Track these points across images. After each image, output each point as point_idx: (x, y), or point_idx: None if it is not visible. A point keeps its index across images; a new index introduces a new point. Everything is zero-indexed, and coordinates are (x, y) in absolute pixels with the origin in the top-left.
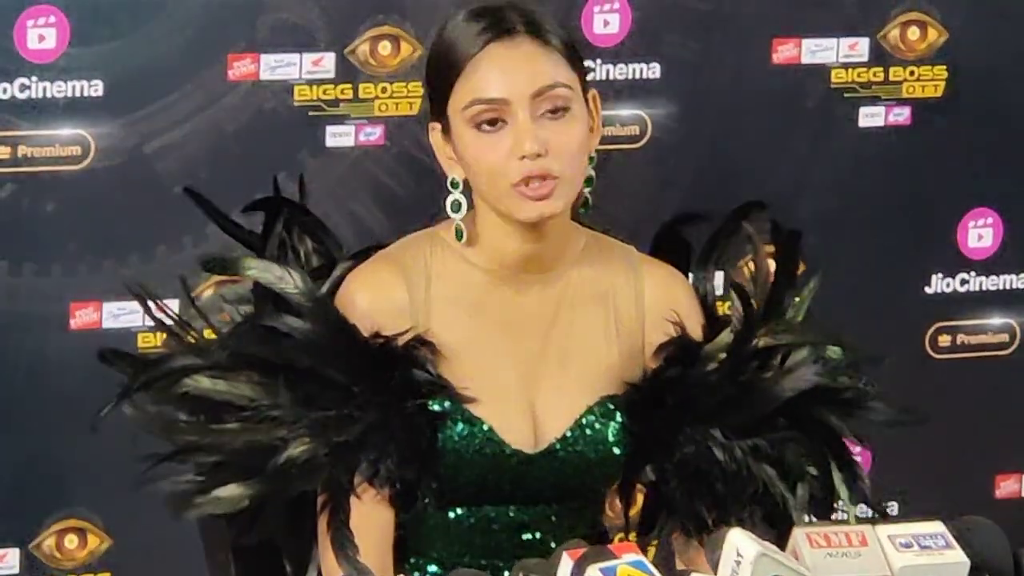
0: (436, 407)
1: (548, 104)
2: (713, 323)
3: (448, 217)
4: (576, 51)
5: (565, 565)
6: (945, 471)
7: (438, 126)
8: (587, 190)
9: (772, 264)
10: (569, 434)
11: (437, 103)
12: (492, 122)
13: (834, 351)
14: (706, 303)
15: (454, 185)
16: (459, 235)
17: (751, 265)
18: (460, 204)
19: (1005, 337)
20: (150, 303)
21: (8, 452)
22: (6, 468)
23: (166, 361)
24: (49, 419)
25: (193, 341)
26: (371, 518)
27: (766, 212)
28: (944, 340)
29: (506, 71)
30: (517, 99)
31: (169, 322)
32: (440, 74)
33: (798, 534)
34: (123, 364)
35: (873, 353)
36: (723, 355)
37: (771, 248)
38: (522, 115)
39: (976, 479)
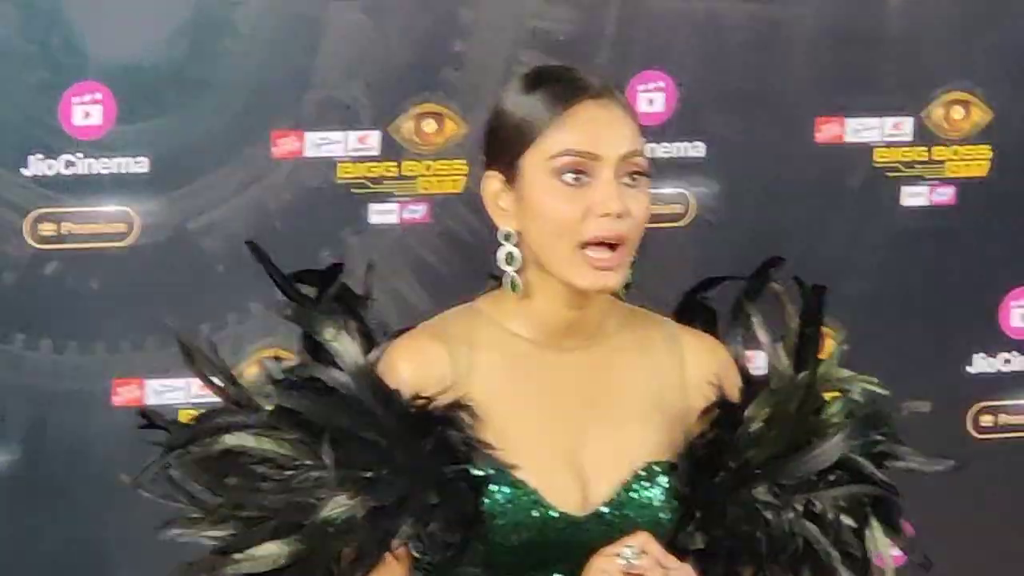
0: (479, 471)
1: (631, 169)
2: (750, 385)
3: (485, 292)
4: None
5: None
6: (986, 553)
7: (497, 175)
8: (629, 272)
9: (795, 321)
10: (616, 497)
11: (504, 155)
12: (577, 176)
13: (859, 393)
14: (740, 366)
15: (508, 238)
16: (514, 287)
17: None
18: (513, 257)
19: None
20: (196, 360)
21: (51, 530)
22: (49, 546)
23: (209, 418)
24: (92, 497)
25: (236, 400)
26: (389, 570)
27: (784, 268)
28: (986, 420)
29: (599, 127)
30: (608, 156)
31: (212, 378)
32: (520, 124)
33: None
34: (165, 422)
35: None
36: (765, 412)
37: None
38: (608, 174)
39: (1019, 561)
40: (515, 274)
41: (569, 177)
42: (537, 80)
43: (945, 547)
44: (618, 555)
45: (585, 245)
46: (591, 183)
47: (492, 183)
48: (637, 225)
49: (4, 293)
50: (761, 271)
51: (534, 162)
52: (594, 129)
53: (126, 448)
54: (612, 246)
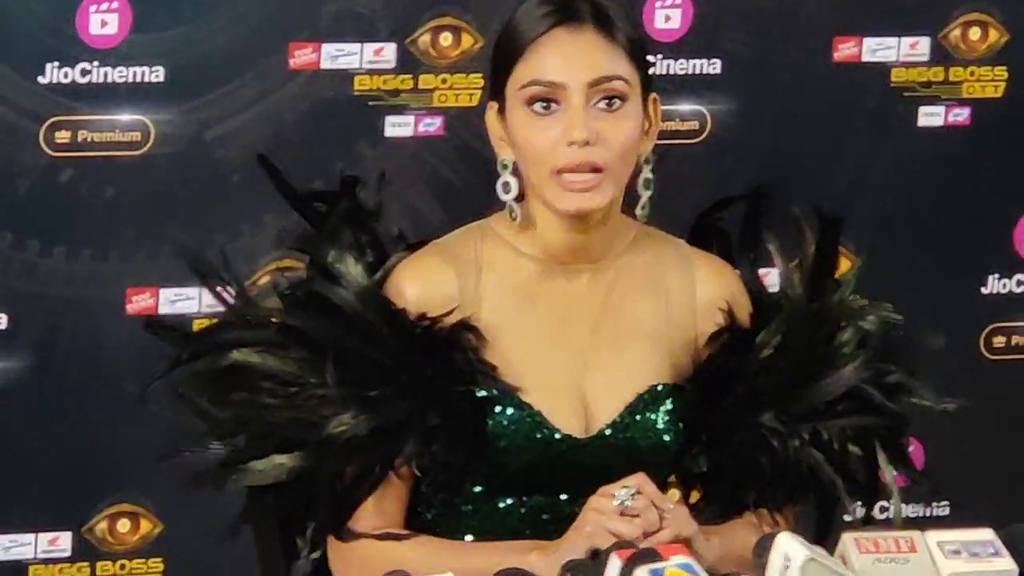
0: (483, 392)
1: (603, 95)
2: (761, 310)
3: (499, 209)
4: (642, 50)
5: (613, 565)
6: (998, 473)
7: (495, 105)
8: (647, 193)
9: (812, 249)
10: (619, 419)
11: (497, 82)
12: (546, 105)
13: (872, 322)
14: (752, 291)
15: (504, 166)
16: (512, 214)
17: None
18: (510, 186)
19: None
20: (206, 274)
21: (62, 436)
22: (60, 452)
23: (216, 333)
24: (103, 404)
25: (244, 315)
26: (392, 488)
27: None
28: (999, 341)
29: (567, 56)
30: (574, 84)
31: (223, 293)
32: (503, 53)
33: (847, 539)
34: (172, 335)
35: (924, 334)
36: (776, 340)
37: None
38: (576, 101)
39: None
40: (513, 202)
41: (538, 107)
42: (525, 9)
43: (957, 468)
44: (614, 495)
45: (560, 172)
46: (560, 111)
47: (491, 112)
48: (614, 150)
49: (19, 200)
50: (763, 196)
51: (511, 92)
52: (562, 57)
53: (139, 356)
54: (593, 170)
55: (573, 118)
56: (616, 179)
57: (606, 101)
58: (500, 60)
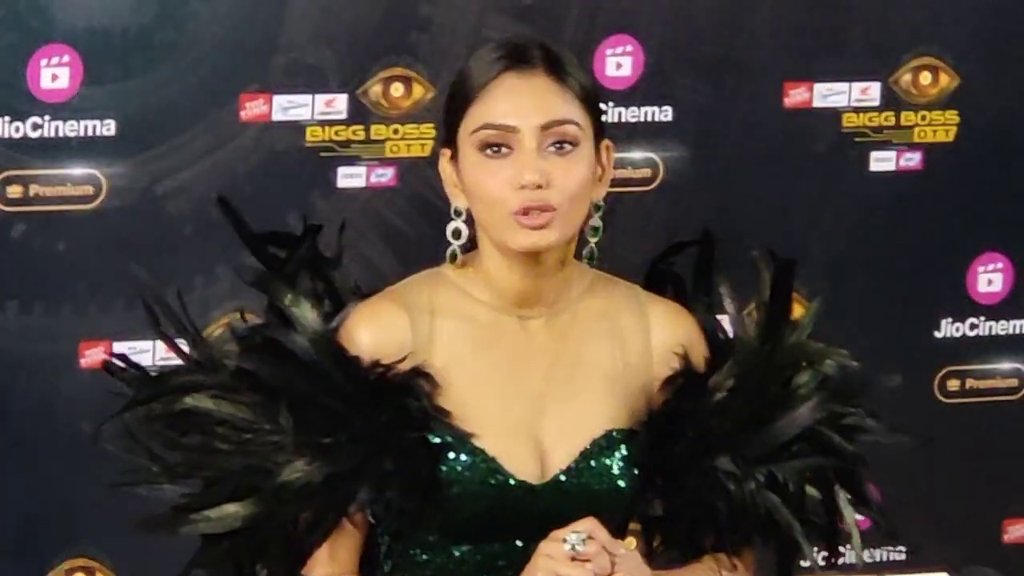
0: (437, 439)
1: (555, 139)
2: (716, 354)
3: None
4: (594, 97)
5: None
6: (953, 516)
7: (448, 152)
8: (593, 240)
9: (767, 292)
10: (574, 465)
11: (449, 128)
12: (497, 148)
13: (829, 366)
14: (707, 335)
15: (457, 213)
16: (452, 258)
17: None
18: (460, 232)
19: (1014, 382)
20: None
21: (17, 491)
22: (15, 507)
23: (170, 377)
24: (57, 458)
25: (199, 359)
26: (346, 536)
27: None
28: (953, 384)
29: (518, 100)
30: (525, 128)
31: (178, 343)
32: (455, 98)
33: None
34: (127, 377)
35: (878, 374)
36: (730, 383)
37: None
38: (528, 144)
39: (984, 524)
40: (457, 248)
41: (489, 151)
42: (477, 56)
43: (912, 512)
44: (564, 540)
45: (515, 213)
46: (511, 154)
47: (443, 160)
48: (566, 193)
49: None
50: (712, 241)
51: (464, 137)
52: (513, 101)
53: (93, 410)
54: (542, 209)
55: (525, 161)
56: (568, 220)
57: (557, 145)
58: (452, 106)
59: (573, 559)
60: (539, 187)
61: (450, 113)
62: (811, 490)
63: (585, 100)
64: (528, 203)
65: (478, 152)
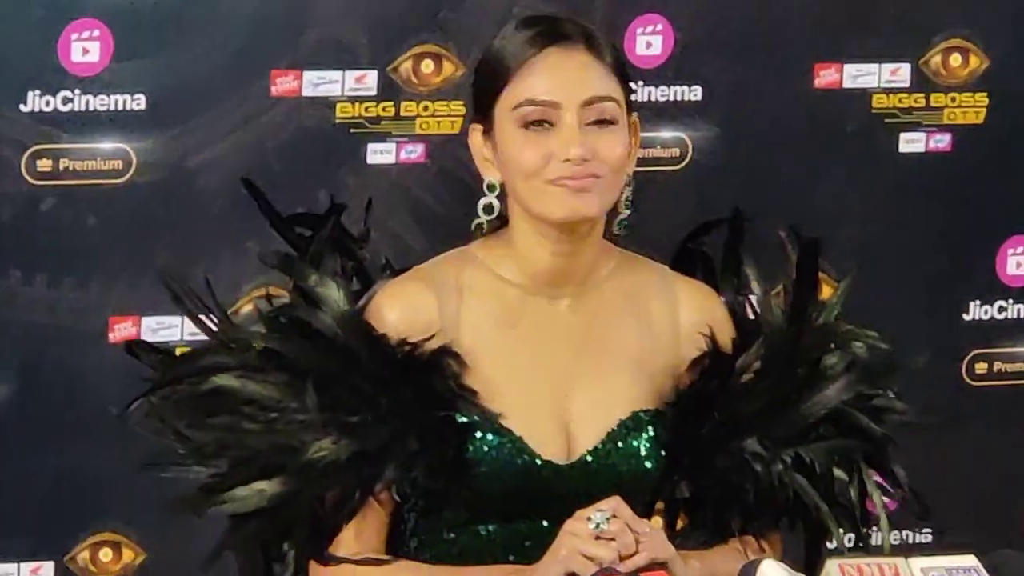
0: (464, 418)
1: (595, 115)
2: (744, 335)
3: (481, 236)
4: (625, 72)
5: None
6: (980, 499)
7: (479, 127)
8: (626, 213)
9: (793, 273)
10: (601, 446)
11: (482, 104)
12: (539, 124)
13: (858, 347)
14: (735, 316)
15: (490, 188)
16: (479, 230)
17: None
18: (492, 207)
19: None
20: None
21: (44, 465)
22: (42, 481)
23: (197, 358)
24: (85, 433)
25: (226, 339)
26: (373, 515)
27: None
28: (981, 367)
29: (560, 76)
30: (568, 103)
31: (206, 321)
32: (491, 73)
33: (830, 565)
34: (154, 358)
35: (904, 357)
36: (757, 364)
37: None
38: (570, 119)
39: (1012, 506)
40: (486, 221)
41: (531, 126)
42: (513, 30)
43: (939, 494)
44: (589, 518)
45: (555, 180)
46: (554, 129)
47: (475, 135)
48: (609, 166)
49: (0, 228)
50: (742, 221)
51: (502, 112)
52: (555, 77)
53: (121, 385)
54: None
55: (569, 136)
56: (608, 191)
57: (597, 122)
58: (487, 81)
59: (597, 537)
60: (584, 160)
61: (484, 89)
62: (838, 472)
63: (619, 75)
64: (568, 174)
65: (518, 127)
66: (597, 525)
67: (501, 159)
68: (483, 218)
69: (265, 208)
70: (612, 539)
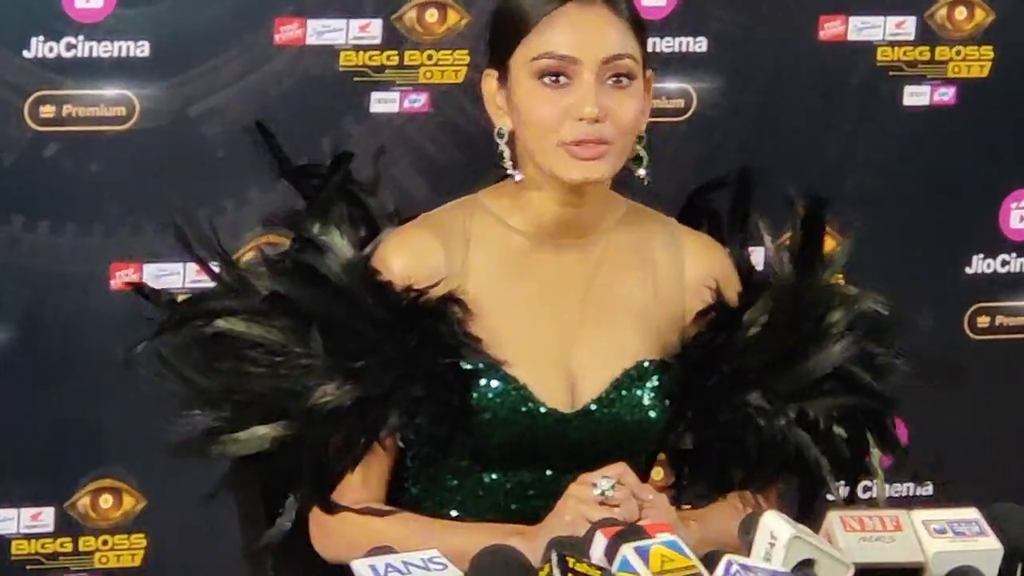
0: (468, 365)
1: (613, 72)
2: (749, 289)
3: (485, 185)
4: (642, 26)
5: (599, 543)
6: (982, 452)
7: (494, 74)
8: (642, 171)
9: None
10: (605, 395)
11: (498, 53)
12: (556, 77)
13: (865, 304)
14: (741, 269)
15: (500, 135)
16: (501, 158)
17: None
18: (504, 154)
19: None
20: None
21: (45, 411)
22: (43, 427)
23: (202, 301)
24: (86, 379)
25: (231, 283)
26: (377, 461)
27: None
28: (983, 321)
29: (581, 31)
30: (587, 60)
31: (210, 265)
32: (511, 23)
33: (832, 517)
34: (159, 301)
35: (908, 316)
36: (763, 318)
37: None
38: (588, 77)
39: (1014, 460)
40: (513, 169)
41: (548, 79)
42: None
43: (940, 448)
44: (594, 484)
45: (567, 144)
46: (571, 85)
47: (489, 81)
48: (621, 127)
49: (3, 174)
50: (750, 177)
51: (519, 63)
52: (575, 32)
53: (123, 331)
54: (600, 142)
55: (585, 94)
56: (619, 154)
57: (615, 79)
58: (506, 30)
59: (602, 503)
60: (597, 120)
61: (502, 37)
62: (839, 428)
63: (637, 32)
64: (583, 136)
65: (534, 79)
66: (602, 492)
67: (514, 108)
68: (507, 166)
69: (275, 153)
70: (616, 505)
